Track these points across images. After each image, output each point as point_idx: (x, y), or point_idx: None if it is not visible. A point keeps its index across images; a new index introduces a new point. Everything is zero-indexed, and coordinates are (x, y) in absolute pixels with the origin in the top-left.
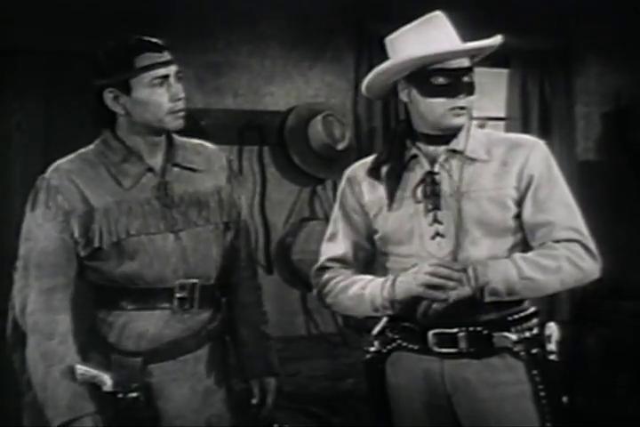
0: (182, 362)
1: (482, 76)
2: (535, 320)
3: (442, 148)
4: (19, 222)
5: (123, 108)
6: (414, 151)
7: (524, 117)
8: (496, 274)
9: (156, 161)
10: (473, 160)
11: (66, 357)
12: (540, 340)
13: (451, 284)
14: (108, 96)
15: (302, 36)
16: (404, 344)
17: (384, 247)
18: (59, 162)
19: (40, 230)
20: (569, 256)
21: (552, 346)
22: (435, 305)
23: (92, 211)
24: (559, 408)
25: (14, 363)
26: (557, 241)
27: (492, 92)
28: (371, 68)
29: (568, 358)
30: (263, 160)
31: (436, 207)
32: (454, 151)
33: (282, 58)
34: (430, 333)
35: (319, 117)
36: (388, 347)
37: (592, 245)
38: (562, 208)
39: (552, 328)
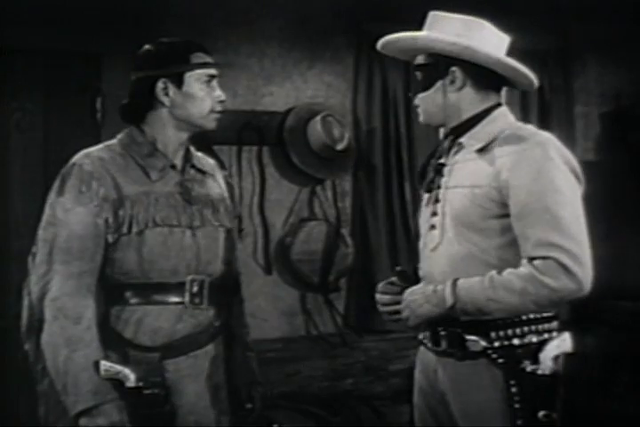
0: (193, 358)
1: None
2: (535, 327)
3: (455, 140)
4: (16, 220)
5: (170, 101)
6: (446, 144)
7: (523, 117)
8: (464, 295)
9: (178, 159)
10: (471, 153)
11: (92, 342)
12: (534, 349)
13: (393, 308)
14: (160, 86)
15: (301, 37)
16: (421, 339)
17: None
18: (87, 150)
19: (70, 215)
20: (535, 276)
21: (545, 357)
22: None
23: (122, 198)
24: (533, 423)
25: (28, 351)
26: (533, 258)
27: None
28: (370, 68)
29: (569, 371)
30: (262, 160)
31: (437, 199)
32: (460, 144)
33: (281, 58)
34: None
35: (318, 118)
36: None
37: (574, 261)
38: (542, 221)
39: (562, 339)
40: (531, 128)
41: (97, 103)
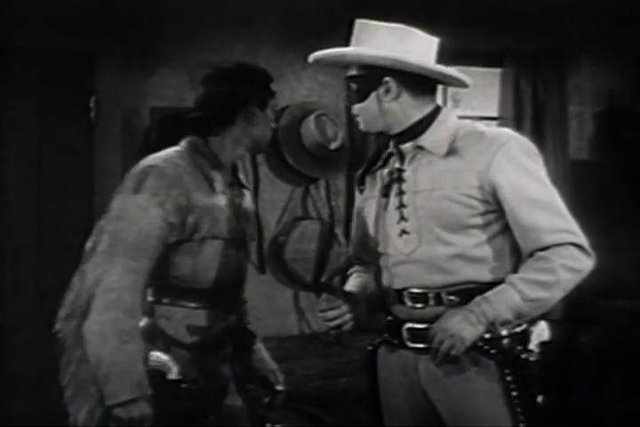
0: (220, 357)
1: (475, 75)
2: None
3: (410, 144)
4: (11, 219)
5: (252, 120)
6: (391, 149)
7: (516, 117)
8: (501, 306)
9: (230, 174)
10: (435, 156)
11: (140, 337)
12: (521, 338)
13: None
14: (251, 105)
15: (295, 36)
16: (389, 338)
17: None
18: (165, 154)
19: (142, 213)
20: (564, 264)
21: (533, 345)
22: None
23: (192, 206)
24: (533, 408)
25: (59, 333)
26: (547, 247)
27: (485, 92)
28: None
29: (555, 358)
30: (256, 159)
31: (402, 204)
32: (420, 147)
33: (275, 57)
34: (404, 327)
35: (312, 117)
36: (378, 340)
37: (584, 240)
38: (543, 211)
39: (541, 327)
40: (482, 126)
41: (91, 102)
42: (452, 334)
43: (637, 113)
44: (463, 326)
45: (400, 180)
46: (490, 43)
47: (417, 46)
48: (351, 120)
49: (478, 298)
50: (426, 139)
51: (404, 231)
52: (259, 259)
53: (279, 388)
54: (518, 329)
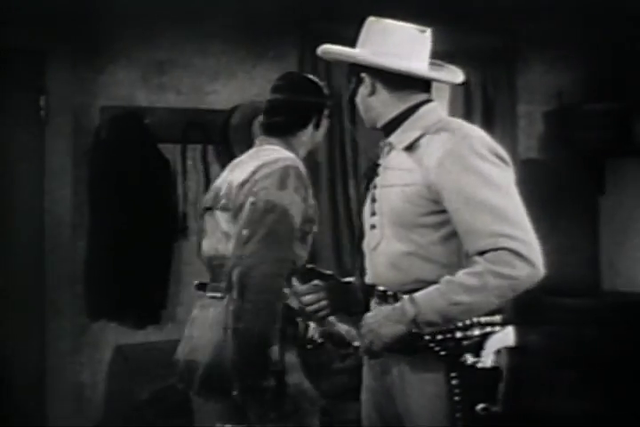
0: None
1: None
2: (478, 320)
3: (386, 140)
4: None
5: (320, 127)
6: (380, 144)
7: (466, 115)
8: (424, 304)
9: None
10: (399, 152)
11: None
12: (474, 342)
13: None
14: (324, 114)
15: (246, 35)
16: None
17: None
18: (290, 154)
19: (289, 208)
20: (493, 269)
21: (487, 351)
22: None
23: (308, 202)
24: (471, 416)
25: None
26: (483, 252)
27: (435, 90)
28: (314, 66)
29: (513, 365)
30: (207, 158)
31: (374, 199)
32: (390, 143)
33: (226, 56)
34: None
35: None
36: None
37: (525, 247)
38: (483, 214)
39: (504, 333)
40: (456, 122)
41: (41, 101)
42: (371, 330)
43: (586, 112)
44: (383, 323)
45: (375, 174)
46: (439, 41)
47: (389, 42)
48: None
49: (406, 297)
50: (396, 134)
51: (373, 226)
52: None
53: (356, 344)
54: (477, 332)
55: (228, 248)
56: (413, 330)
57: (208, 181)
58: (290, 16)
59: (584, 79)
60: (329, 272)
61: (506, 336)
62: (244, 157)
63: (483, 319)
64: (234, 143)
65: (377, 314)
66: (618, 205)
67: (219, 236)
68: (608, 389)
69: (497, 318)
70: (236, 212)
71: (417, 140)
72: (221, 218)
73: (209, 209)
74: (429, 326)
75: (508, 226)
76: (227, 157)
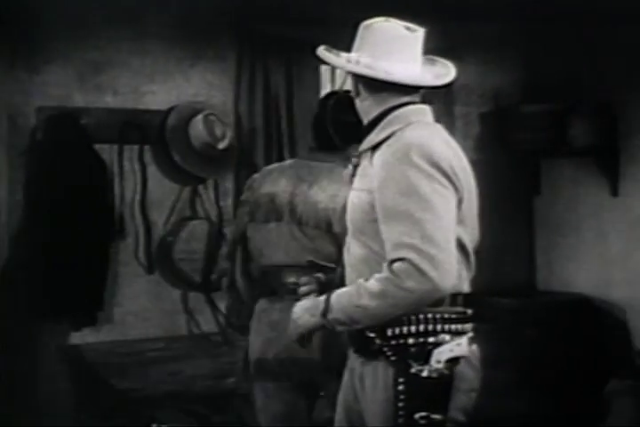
0: None
1: None
2: (442, 327)
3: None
4: None
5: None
6: None
7: None
8: (335, 303)
9: None
10: (363, 157)
11: None
12: (425, 350)
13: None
14: None
15: (184, 35)
16: None
17: None
18: None
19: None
20: (391, 278)
21: (435, 359)
22: None
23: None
24: (410, 424)
25: None
26: (392, 261)
27: None
28: (252, 67)
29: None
30: (144, 159)
31: (352, 200)
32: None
33: (163, 56)
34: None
35: (200, 116)
36: None
37: (430, 263)
38: (401, 225)
39: (456, 342)
40: (412, 128)
41: None
42: (292, 319)
43: (522, 114)
44: (302, 314)
45: (354, 176)
46: None
47: (377, 44)
48: (239, 120)
49: (329, 293)
50: (367, 137)
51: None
52: (147, 259)
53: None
54: (431, 340)
55: None
56: (326, 325)
57: (145, 182)
58: (228, 16)
59: (520, 81)
60: (331, 265)
61: (457, 347)
62: None
63: (453, 327)
64: (171, 144)
65: (302, 305)
66: (553, 206)
67: None
68: (543, 389)
69: (467, 326)
70: None
71: (378, 144)
72: None
73: None
74: (338, 324)
75: (419, 239)
76: (163, 158)
